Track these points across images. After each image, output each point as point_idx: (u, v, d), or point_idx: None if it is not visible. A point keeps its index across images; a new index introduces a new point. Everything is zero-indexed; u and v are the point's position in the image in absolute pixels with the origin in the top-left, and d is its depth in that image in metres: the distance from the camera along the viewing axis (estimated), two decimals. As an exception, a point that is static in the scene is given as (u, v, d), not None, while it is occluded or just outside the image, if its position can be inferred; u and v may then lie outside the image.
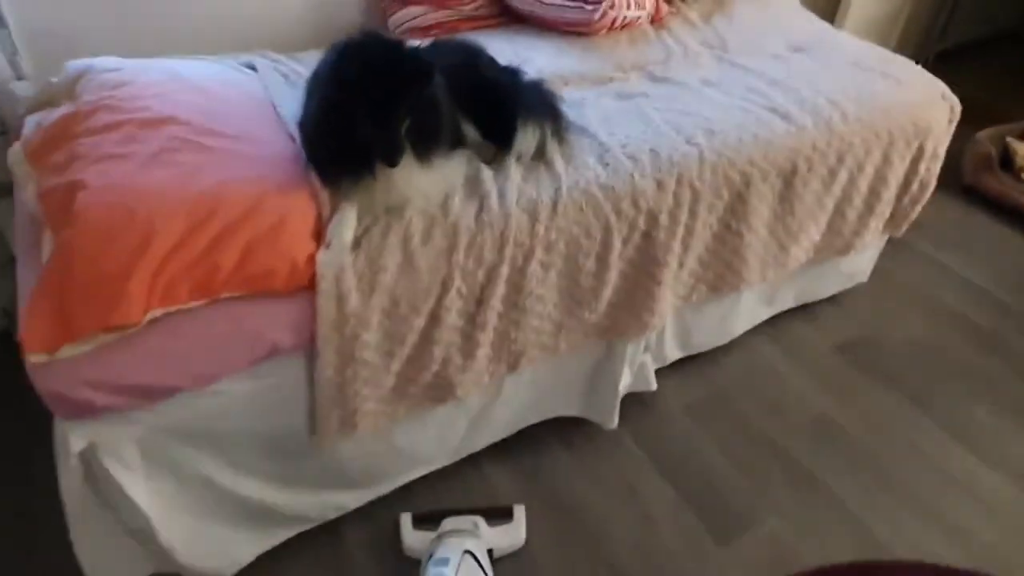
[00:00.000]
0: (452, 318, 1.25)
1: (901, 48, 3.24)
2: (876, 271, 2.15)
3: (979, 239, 2.42)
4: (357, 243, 1.16)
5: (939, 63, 3.46)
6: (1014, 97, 3.16)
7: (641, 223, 1.38)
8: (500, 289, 1.27)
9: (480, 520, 1.43)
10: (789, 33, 1.96)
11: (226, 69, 1.48)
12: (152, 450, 1.10)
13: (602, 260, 1.38)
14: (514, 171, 1.31)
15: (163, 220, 1.02)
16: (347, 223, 1.15)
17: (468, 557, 1.29)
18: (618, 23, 1.86)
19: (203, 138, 1.16)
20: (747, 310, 1.89)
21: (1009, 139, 2.68)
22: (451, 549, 1.29)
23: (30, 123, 1.26)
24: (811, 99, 1.63)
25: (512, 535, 1.46)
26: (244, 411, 1.16)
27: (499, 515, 1.48)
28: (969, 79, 3.29)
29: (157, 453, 1.11)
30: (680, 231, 1.44)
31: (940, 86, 1.78)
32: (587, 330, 1.48)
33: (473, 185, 1.28)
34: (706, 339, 1.86)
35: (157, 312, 1.02)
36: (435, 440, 1.48)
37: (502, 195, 1.26)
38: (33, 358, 0.95)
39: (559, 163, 1.35)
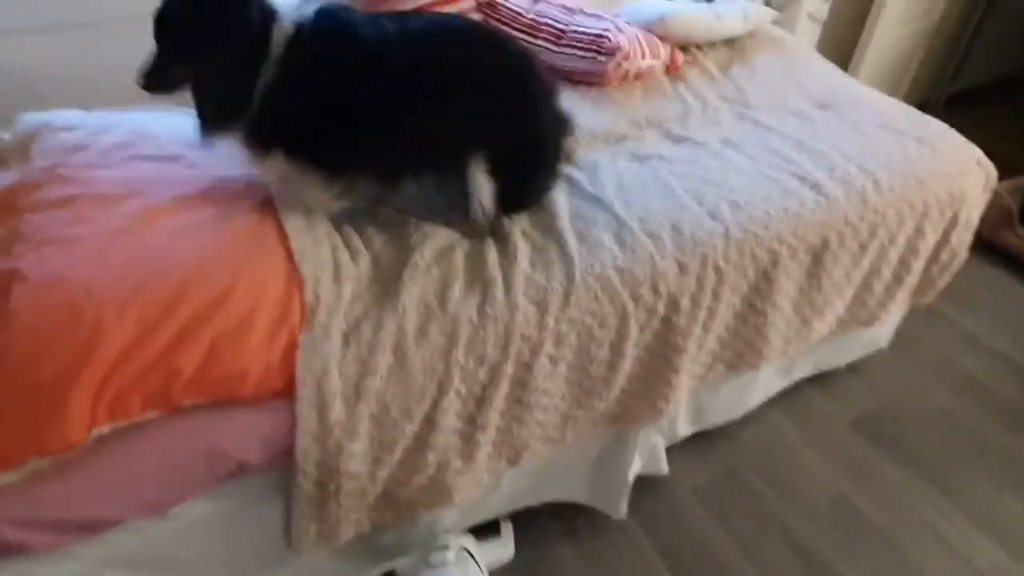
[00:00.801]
0: (450, 421, 1.10)
1: (913, 91, 3.15)
2: (896, 336, 2.03)
3: (1002, 301, 2.31)
4: (345, 339, 1.01)
5: (950, 106, 3.37)
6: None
7: (661, 309, 1.25)
8: (504, 388, 1.13)
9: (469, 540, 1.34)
10: (811, 87, 1.84)
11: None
12: (95, 585, 0.95)
13: (616, 349, 1.24)
14: (521, 254, 1.17)
15: (113, 318, 0.87)
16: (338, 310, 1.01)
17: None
18: (632, 74, 1.74)
19: (165, 215, 1.01)
20: (763, 382, 1.76)
21: (1028, 192, 2.58)
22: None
23: (-26, 186, 1.10)
24: (841, 166, 1.51)
25: (501, 551, 1.40)
26: (204, 532, 1.01)
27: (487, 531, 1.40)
28: (981, 123, 3.21)
29: (101, 587, 0.96)
30: (702, 315, 1.31)
31: (975, 152, 1.67)
32: (596, 419, 1.34)
33: (475, 271, 1.14)
34: (720, 415, 1.72)
35: (104, 429, 0.87)
36: (422, 530, 1.33)
37: (508, 284, 1.12)
38: (-51, 492, 0.80)
39: (572, 243, 1.21)
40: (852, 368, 1.99)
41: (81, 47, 1.50)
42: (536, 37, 1.72)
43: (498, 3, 1.72)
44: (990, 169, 1.67)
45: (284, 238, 1.06)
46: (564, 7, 1.74)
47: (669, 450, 1.64)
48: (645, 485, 1.62)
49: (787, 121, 1.68)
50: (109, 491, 0.87)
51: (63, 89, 1.45)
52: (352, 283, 1.06)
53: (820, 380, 1.95)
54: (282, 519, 1.09)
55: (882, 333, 1.97)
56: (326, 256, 1.08)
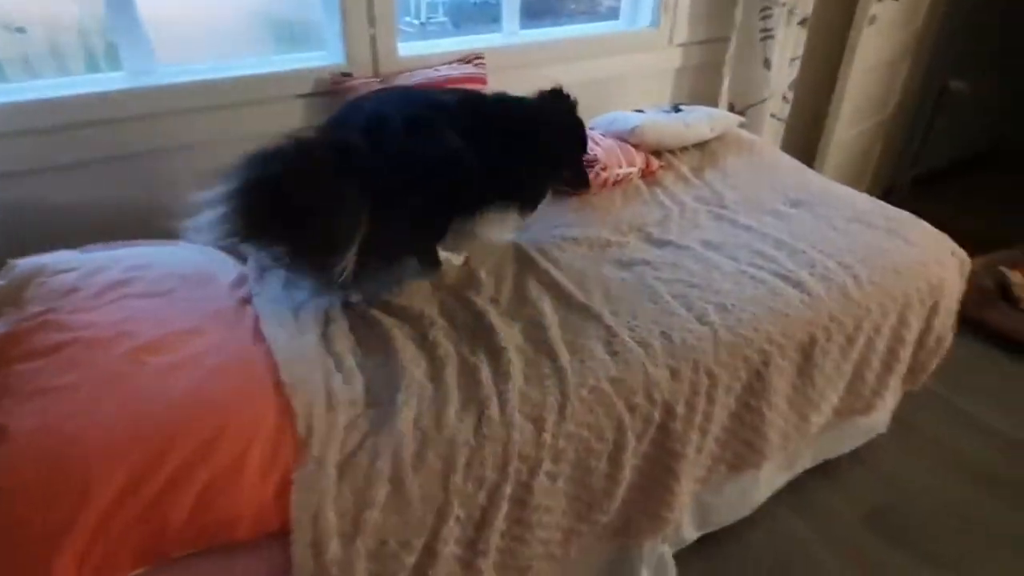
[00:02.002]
0: (450, 548, 1.06)
1: (877, 179, 3.30)
2: (895, 421, 2.02)
3: (993, 378, 2.32)
4: (340, 472, 0.99)
5: (915, 189, 3.52)
6: (990, 219, 3.18)
7: (656, 416, 1.24)
8: (503, 509, 1.10)
9: None
10: (782, 185, 1.93)
11: (199, 255, 1.36)
12: None
13: (614, 461, 1.22)
14: (515, 369, 1.18)
15: (101, 471, 0.85)
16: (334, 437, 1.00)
17: None
18: (611, 181, 1.81)
19: (157, 354, 1.01)
20: (766, 478, 1.72)
21: (1002, 268, 2.66)
22: None
23: (-33, 333, 1.11)
24: (820, 262, 1.55)
25: None
26: None
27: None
28: (945, 204, 3.34)
29: None
30: (698, 419, 1.30)
31: (948, 242, 1.73)
32: (599, 533, 1.30)
33: (469, 389, 1.14)
34: (726, 515, 1.68)
35: (89, 591, 0.83)
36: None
37: (503, 402, 1.12)
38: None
39: (564, 355, 1.22)
40: (854, 455, 1.96)
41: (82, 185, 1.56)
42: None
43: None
44: (964, 257, 1.72)
45: (274, 367, 1.06)
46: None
47: (677, 555, 1.58)
48: (656, 599, 1.54)
49: (764, 220, 1.75)
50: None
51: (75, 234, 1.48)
52: (346, 409, 1.06)
53: (824, 470, 1.91)
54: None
55: (879, 419, 1.96)
56: (318, 383, 1.08)
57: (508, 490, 1.09)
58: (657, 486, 1.31)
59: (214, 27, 1.83)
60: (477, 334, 1.28)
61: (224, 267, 1.33)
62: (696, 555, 1.65)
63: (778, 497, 1.81)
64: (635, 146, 1.93)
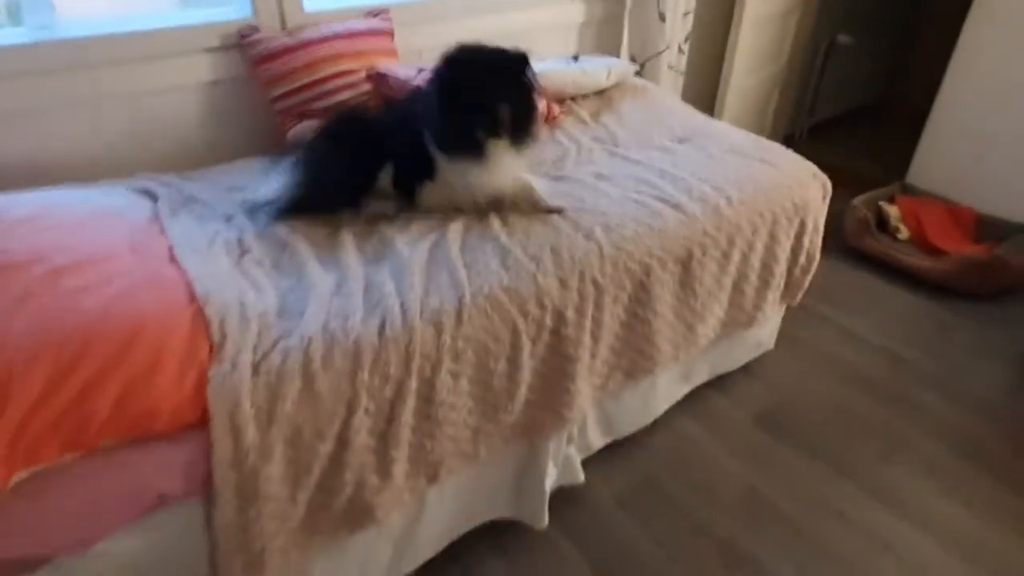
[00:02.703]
0: (362, 438, 1.19)
1: (776, 128, 3.54)
2: (781, 335, 2.25)
3: (867, 296, 2.59)
4: (255, 370, 1.10)
5: (811, 138, 3.80)
6: (876, 163, 3.48)
7: (548, 321, 1.39)
8: (410, 403, 1.23)
9: None
10: (672, 125, 2.10)
11: (109, 197, 1.43)
12: (19, 633, 0.97)
13: (513, 362, 1.37)
14: (417, 282, 1.31)
15: (21, 374, 0.94)
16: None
17: None
18: (513, 126, 1.94)
19: (71, 276, 1.09)
20: (665, 389, 1.92)
21: (881, 203, 2.93)
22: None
23: None
24: (697, 187, 1.73)
25: None
26: (130, 572, 1.04)
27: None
28: (838, 150, 3.63)
29: (25, 636, 0.98)
30: (588, 324, 1.46)
31: (811, 167, 1.94)
32: (505, 433, 1.45)
33: (372, 300, 1.26)
34: (629, 423, 1.86)
35: (23, 473, 0.92)
36: (357, 572, 1.38)
37: (404, 308, 1.25)
38: None
39: (461, 271, 1.36)
40: (746, 368, 2.18)
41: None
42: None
43: (386, 74, 1.90)
44: (824, 180, 1.93)
45: (187, 285, 1.16)
46: (446, 73, 1.94)
47: (586, 461, 1.76)
48: (567, 496, 1.72)
49: (652, 155, 1.91)
50: (35, 530, 0.91)
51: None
52: (258, 319, 1.16)
53: (719, 383, 2.13)
54: (208, 556, 1.14)
55: (766, 334, 2.18)
56: (231, 298, 1.18)
57: (413, 385, 1.23)
58: (555, 387, 1.46)
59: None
60: (382, 255, 1.40)
61: (136, 205, 1.41)
62: (600, 460, 1.83)
63: (677, 407, 2.01)
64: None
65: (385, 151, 1.54)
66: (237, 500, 1.07)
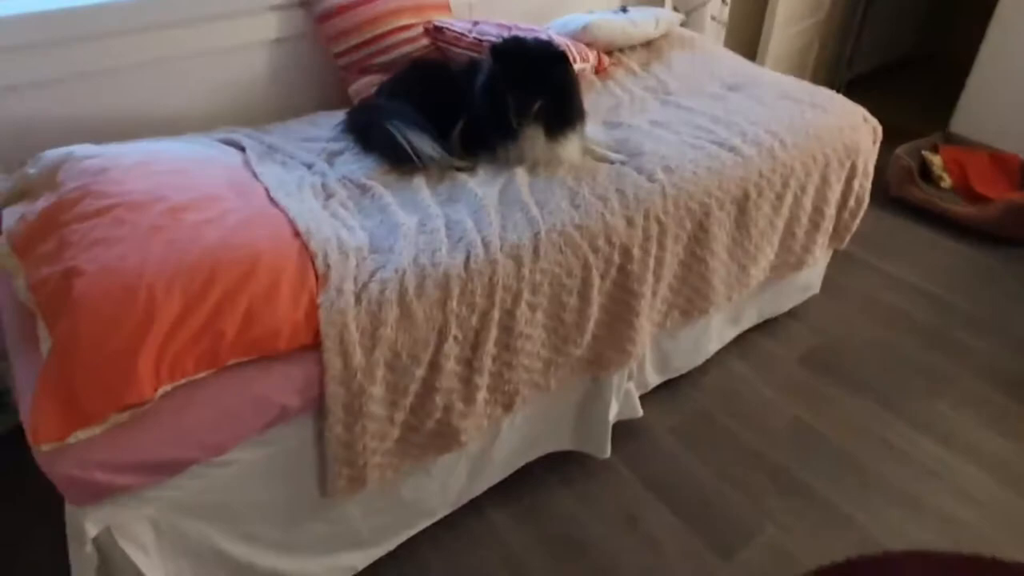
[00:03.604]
0: (451, 364, 1.29)
1: (816, 79, 3.52)
2: (826, 282, 2.31)
3: (911, 244, 2.62)
4: (357, 298, 1.20)
5: (850, 91, 3.77)
6: (916, 114, 3.46)
7: (616, 258, 1.47)
8: (493, 333, 1.32)
9: None
10: (721, 74, 2.13)
11: (200, 146, 1.52)
12: (166, 529, 1.09)
13: (583, 296, 1.45)
14: (494, 219, 1.38)
15: (163, 296, 1.04)
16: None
17: None
18: (567, 76, 1.99)
19: (189, 213, 1.19)
20: (716, 331, 1.99)
21: (924, 152, 2.94)
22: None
23: (11, 215, 1.26)
24: (752, 132, 1.77)
25: None
26: (255, 479, 1.16)
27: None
28: (878, 103, 3.60)
29: (171, 532, 1.10)
30: (651, 262, 1.53)
31: (861, 110, 1.97)
32: (574, 365, 1.54)
33: (455, 236, 1.34)
34: (682, 362, 1.94)
35: (167, 387, 1.03)
36: (439, 489, 1.49)
37: (486, 243, 1.33)
38: (45, 447, 0.94)
39: (534, 208, 1.43)
40: (792, 313, 2.25)
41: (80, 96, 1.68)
42: (480, 52, 1.97)
43: (443, 27, 1.96)
44: (875, 124, 1.96)
45: (290, 222, 1.25)
46: (500, 24, 1.99)
47: (643, 398, 1.85)
48: (626, 429, 1.81)
49: (703, 102, 1.95)
50: (176, 437, 1.02)
51: (63, 137, 1.61)
52: (354, 253, 1.25)
53: (766, 327, 2.19)
54: (318, 470, 1.25)
55: (813, 279, 2.24)
56: (329, 234, 1.27)
57: (496, 315, 1.31)
58: (620, 322, 1.54)
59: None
60: (457, 196, 1.48)
61: (227, 153, 1.50)
62: (657, 396, 1.92)
63: (727, 349, 2.09)
64: (588, 44, 2.11)
65: (461, 106, 1.61)
66: (345, 416, 1.18)
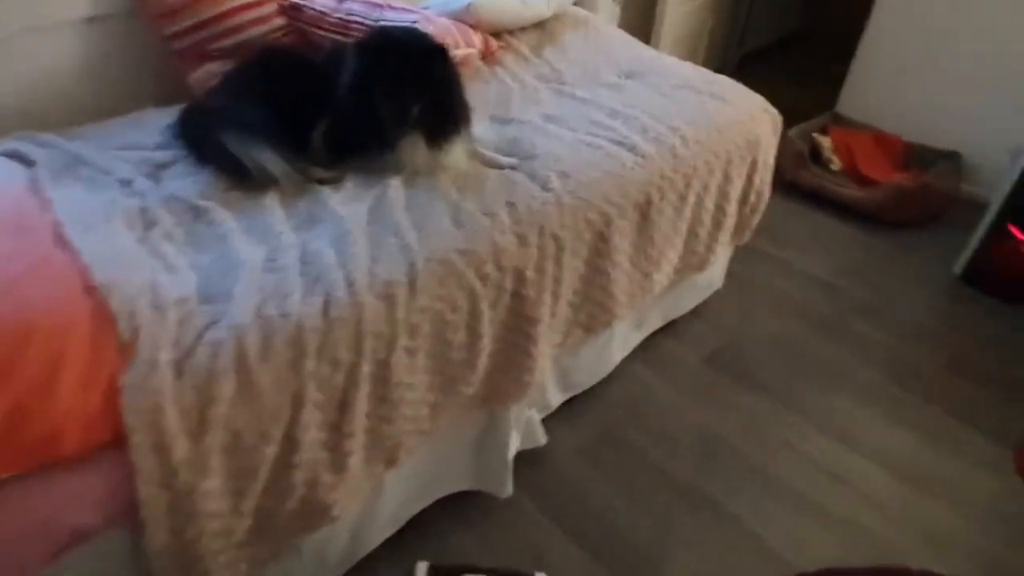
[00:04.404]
0: (312, 434, 1.06)
1: (709, 57, 3.46)
2: (728, 276, 2.24)
3: (806, 231, 2.62)
4: (178, 370, 0.93)
5: (742, 67, 3.75)
6: (807, 92, 3.48)
7: (508, 284, 1.28)
8: (364, 389, 1.10)
9: None
10: (617, 59, 1.97)
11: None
12: None
13: (472, 330, 1.25)
14: (360, 249, 1.15)
15: None
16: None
17: None
18: (449, 63, 1.75)
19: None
20: (620, 339, 1.86)
21: (814, 135, 2.94)
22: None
23: None
24: (652, 127, 1.62)
25: None
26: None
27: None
28: (769, 79, 3.60)
29: None
30: (548, 283, 1.36)
31: (761, 101, 1.86)
32: (465, 403, 1.34)
33: (311, 268, 1.10)
34: (586, 377, 1.80)
35: None
36: (313, 561, 1.27)
37: (350, 282, 1.09)
38: None
39: (409, 233, 1.21)
40: (696, 312, 2.16)
41: None
42: (347, 36, 1.69)
43: (302, 6, 1.66)
44: (775, 115, 1.87)
45: (83, 271, 0.96)
46: (370, 3, 1.71)
47: (546, 419, 1.69)
48: (528, 457, 1.66)
49: (600, 92, 1.78)
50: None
51: None
52: (176, 307, 0.98)
53: (670, 328, 2.10)
54: (143, 581, 0.99)
55: (715, 276, 2.16)
56: (140, 283, 0.99)
57: (366, 369, 1.09)
58: (517, 352, 1.36)
59: None
60: (317, 217, 1.23)
61: (8, 173, 1.15)
62: (560, 416, 1.77)
63: (632, 355, 1.97)
64: (472, 26, 1.87)
65: (324, 102, 1.34)
66: (171, 524, 0.92)
